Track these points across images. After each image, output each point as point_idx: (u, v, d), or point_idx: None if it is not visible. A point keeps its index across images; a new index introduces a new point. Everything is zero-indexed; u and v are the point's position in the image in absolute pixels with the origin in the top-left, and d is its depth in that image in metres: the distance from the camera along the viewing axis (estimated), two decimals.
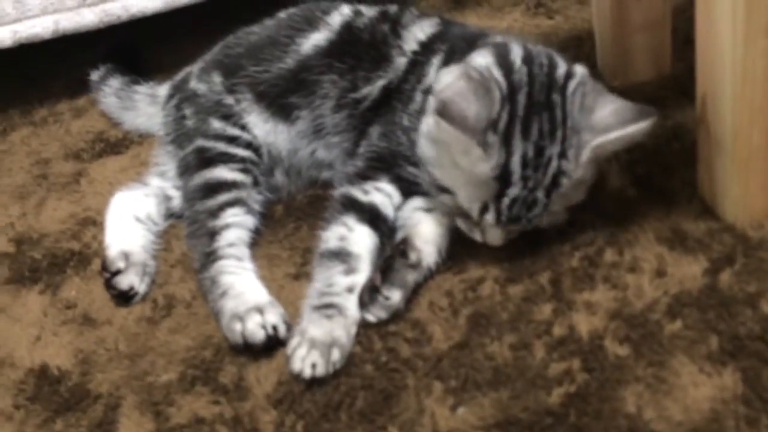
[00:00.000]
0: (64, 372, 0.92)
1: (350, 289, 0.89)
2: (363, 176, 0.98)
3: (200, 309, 0.96)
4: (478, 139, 0.82)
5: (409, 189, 0.98)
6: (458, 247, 0.95)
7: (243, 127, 1.07)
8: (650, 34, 1.12)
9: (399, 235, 0.93)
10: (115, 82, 1.32)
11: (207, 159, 1.05)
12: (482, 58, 0.88)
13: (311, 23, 1.08)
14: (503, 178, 0.83)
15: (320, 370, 0.83)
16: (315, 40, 1.07)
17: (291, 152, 1.08)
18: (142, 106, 1.26)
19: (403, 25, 1.05)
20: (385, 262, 0.89)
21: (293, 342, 0.85)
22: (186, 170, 1.06)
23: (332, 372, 0.83)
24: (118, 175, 1.24)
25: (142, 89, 1.27)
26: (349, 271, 0.90)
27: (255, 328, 0.87)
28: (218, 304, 0.92)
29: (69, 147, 1.34)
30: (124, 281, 0.98)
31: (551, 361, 0.79)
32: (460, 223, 0.92)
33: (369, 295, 0.87)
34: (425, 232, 0.92)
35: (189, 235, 1.02)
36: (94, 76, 1.36)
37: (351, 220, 0.94)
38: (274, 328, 0.87)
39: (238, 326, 0.88)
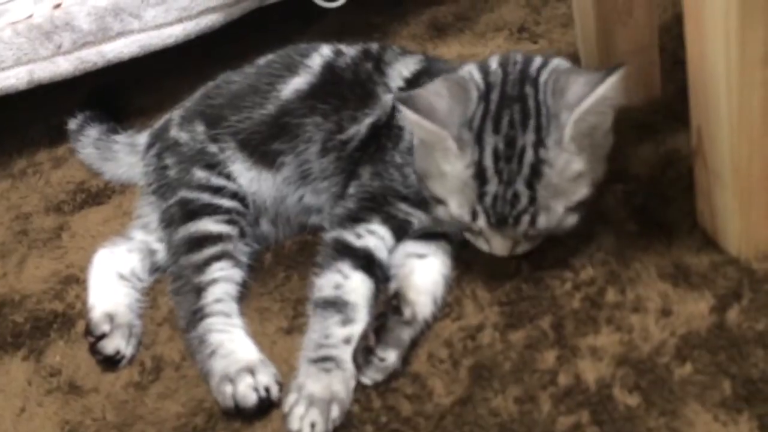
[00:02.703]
0: None
1: (347, 341, 0.85)
2: (355, 218, 0.95)
3: (189, 371, 0.92)
4: (450, 131, 0.81)
5: (400, 228, 0.95)
6: (455, 291, 0.92)
7: (228, 177, 1.04)
8: (638, 58, 1.09)
9: (391, 287, 0.90)
10: (93, 132, 1.28)
11: (191, 211, 1.01)
12: (467, 68, 0.89)
13: (290, 68, 1.05)
14: (480, 175, 0.81)
15: (319, 429, 0.80)
16: (296, 84, 1.04)
17: (277, 200, 1.04)
18: (122, 156, 1.23)
19: (387, 62, 1.03)
20: (377, 320, 0.85)
21: (290, 399, 0.82)
22: (170, 223, 1.03)
23: (332, 430, 0.80)
24: (100, 227, 1.20)
25: (121, 138, 1.24)
26: (346, 321, 0.87)
27: (247, 391, 0.83)
28: (207, 364, 0.88)
29: (50, 199, 1.31)
30: (109, 346, 0.94)
31: (559, 415, 0.76)
32: (467, 236, 0.89)
33: (363, 356, 0.83)
34: (419, 281, 0.89)
35: (174, 291, 0.98)
36: (72, 125, 1.33)
37: (345, 267, 0.91)
38: (267, 389, 0.84)
39: (228, 389, 0.84)
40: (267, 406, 0.84)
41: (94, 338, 0.95)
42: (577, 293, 0.87)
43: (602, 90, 0.79)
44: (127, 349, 0.95)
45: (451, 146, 0.82)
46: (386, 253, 0.94)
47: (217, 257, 0.97)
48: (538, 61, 0.87)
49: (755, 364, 0.75)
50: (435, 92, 0.84)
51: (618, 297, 0.85)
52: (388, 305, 0.87)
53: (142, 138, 1.19)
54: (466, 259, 0.94)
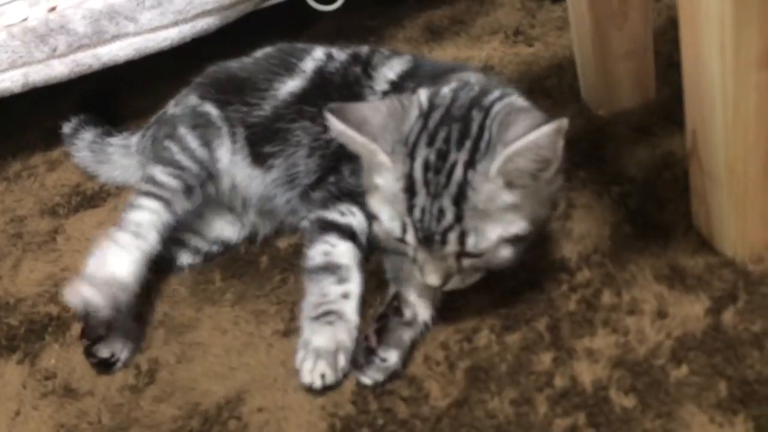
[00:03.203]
0: None
1: (345, 296, 0.88)
2: (338, 198, 0.97)
3: (185, 374, 0.92)
4: (382, 145, 0.81)
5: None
6: (451, 294, 0.92)
7: (206, 142, 1.05)
8: (633, 62, 1.10)
9: (391, 290, 0.90)
10: (87, 135, 1.28)
11: (157, 155, 1.07)
12: (419, 90, 0.88)
13: (288, 69, 1.06)
14: (410, 188, 0.80)
15: (330, 379, 0.84)
16: (290, 87, 1.05)
17: (264, 198, 1.06)
18: (116, 158, 1.23)
19: (374, 66, 1.04)
20: (378, 322, 0.85)
21: (298, 356, 0.86)
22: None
23: (342, 377, 0.84)
24: (95, 230, 1.19)
25: (116, 141, 1.24)
26: (341, 280, 0.90)
27: (72, 295, 0.93)
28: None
29: (44, 202, 1.30)
30: (105, 349, 0.94)
31: (555, 417, 0.76)
32: (407, 263, 0.87)
33: (365, 357, 0.84)
34: (418, 284, 0.89)
35: None
36: (66, 128, 1.33)
37: (332, 238, 0.94)
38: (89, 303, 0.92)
39: (74, 282, 0.95)
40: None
41: (89, 341, 0.94)
42: (573, 295, 0.87)
43: (533, 137, 0.76)
44: (122, 353, 0.94)
45: (383, 160, 0.81)
46: (365, 239, 0.95)
47: (151, 195, 1.02)
48: (496, 93, 0.85)
49: (751, 365, 0.75)
50: (372, 107, 0.84)
51: (614, 299, 0.86)
52: (389, 307, 0.87)
53: (135, 138, 1.19)
54: None
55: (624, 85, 1.12)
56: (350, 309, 0.88)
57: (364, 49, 1.07)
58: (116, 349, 0.94)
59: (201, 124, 1.06)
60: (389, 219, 0.82)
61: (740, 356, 0.76)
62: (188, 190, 1.03)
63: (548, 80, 1.25)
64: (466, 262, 0.82)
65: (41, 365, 0.98)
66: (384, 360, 0.83)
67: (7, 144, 1.49)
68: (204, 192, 1.05)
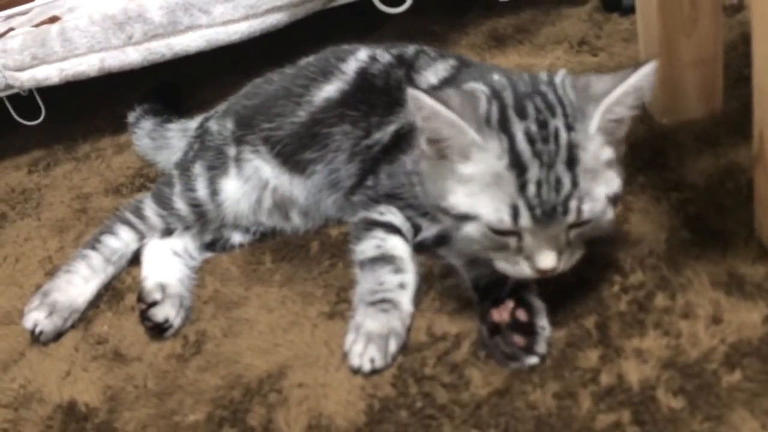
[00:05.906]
0: (92, 409, 0.90)
1: (402, 286, 0.89)
2: (376, 201, 0.97)
3: (230, 347, 0.93)
4: (469, 123, 0.76)
5: (414, 225, 0.96)
6: None
7: (215, 185, 1.06)
8: (701, 71, 1.08)
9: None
10: (147, 124, 1.33)
11: (158, 187, 1.12)
12: (469, 83, 0.86)
13: (325, 74, 1.03)
14: (516, 162, 0.75)
15: (379, 363, 0.83)
16: (328, 91, 1.02)
17: (309, 199, 1.05)
18: (174, 142, 1.26)
19: (417, 69, 1.01)
20: (517, 299, 0.83)
21: (349, 338, 0.86)
22: (164, 183, 1.12)
23: (391, 363, 0.84)
24: None
25: (174, 126, 1.28)
26: (397, 270, 0.90)
27: (26, 317, 1.02)
28: None
29: (109, 182, 1.36)
30: (160, 313, 0.96)
31: (598, 412, 0.74)
32: (503, 265, 0.80)
33: (523, 337, 0.80)
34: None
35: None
36: (131, 117, 1.38)
37: (380, 233, 0.94)
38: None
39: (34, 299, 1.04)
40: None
41: (145, 305, 0.97)
42: (625, 296, 0.85)
43: (633, 80, 0.77)
44: (175, 320, 0.97)
45: (472, 138, 0.76)
46: (410, 236, 0.95)
47: (130, 226, 1.09)
48: (545, 74, 0.83)
49: None
50: (444, 94, 0.81)
51: (667, 302, 0.83)
52: (514, 285, 0.84)
53: (194, 123, 1.23)
54: None
55: (690, 94, 1.10)
56: (406, 299, 0.88)
57: (410, 50, 1.03)
58: (170, 314, 0.96)
59: (217, 166, 1.07)
60: (494, 211, 0.76)
61: None
62: (167, 232, 1.08)
63: None
64: (573, 233, 0.78)
65: (94, 330, 1.01)
66: (543, 328, 0.81)
67: (78, 127, 1.56)
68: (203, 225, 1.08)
